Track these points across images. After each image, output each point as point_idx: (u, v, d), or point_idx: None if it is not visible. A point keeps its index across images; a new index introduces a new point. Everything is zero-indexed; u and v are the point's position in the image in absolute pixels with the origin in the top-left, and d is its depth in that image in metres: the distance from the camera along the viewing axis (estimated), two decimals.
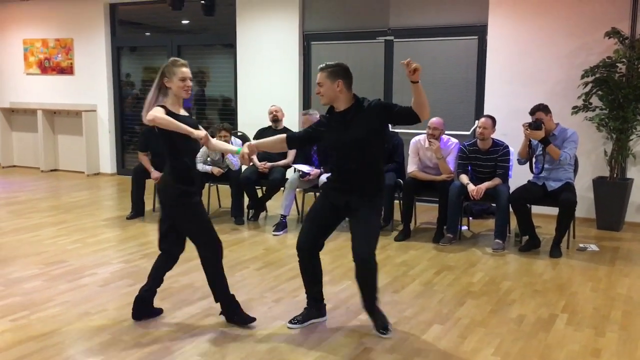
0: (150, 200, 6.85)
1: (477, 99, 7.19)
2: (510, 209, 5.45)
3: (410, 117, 3.36)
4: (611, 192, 6.20)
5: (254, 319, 3.64)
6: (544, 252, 5.29)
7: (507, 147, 5.59)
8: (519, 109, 6.18)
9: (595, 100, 6.15)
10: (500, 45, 6.89)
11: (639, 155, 6.28)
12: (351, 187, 3.48)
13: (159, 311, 3.80)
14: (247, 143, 3.66)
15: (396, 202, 6.11)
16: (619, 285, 4.44)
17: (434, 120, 5.73)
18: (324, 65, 3.49)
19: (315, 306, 3.72)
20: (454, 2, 7.20)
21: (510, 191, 5.48)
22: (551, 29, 6.62)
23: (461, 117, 7.25)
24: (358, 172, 3.46)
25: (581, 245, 5.52)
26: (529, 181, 5.58)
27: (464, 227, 6.15)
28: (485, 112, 6.96)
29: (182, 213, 3.52)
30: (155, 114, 3.29)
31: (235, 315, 3.64)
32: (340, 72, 3.45)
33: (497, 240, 5.42)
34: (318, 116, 6.19)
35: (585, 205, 6.38)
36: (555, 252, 5.21)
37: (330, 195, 3.59)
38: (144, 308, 3.71)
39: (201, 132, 3.40)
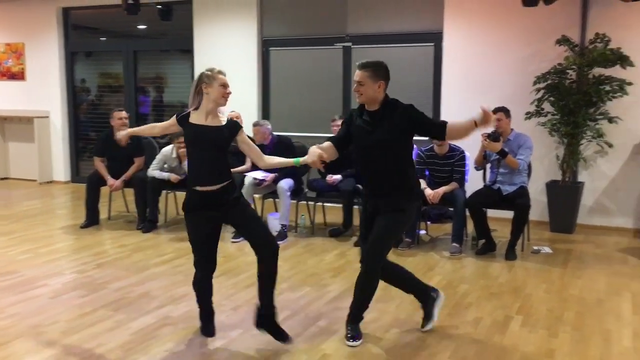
0: (105, 208, 6.70)
1: (434, 105, 7.29)
2: (467, 213, 5.54)
3: (438, 133, 3.42)
4: (563, 195, 6.36)
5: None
6: (500, 255, 5.38)
7: (463, 152, 5.68)
8: (475, 115, 6.27)
9: (547, 106, 6.31)
10: (455, 52, 7.01)
11: (590, 159, 6.46)
12: (377, 189, 3.44)
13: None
14: (315, 152, 3.39)
15: (355, 207, 6.12)
16: (572, 286, 4.55)
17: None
18: (365, 62, 3.37)
19: (427, 298, 3.70)
20: (411, 9, 7.29)
21: (467, 195, 5.57)
22: (504, 37, 6.77)
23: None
24: (382, 174, 3.40)
25: (535, 247, 5.64)
26: (485, 185, 5.68)
27: (422, 232, 6.21)
28: (442, 118, 7.07)
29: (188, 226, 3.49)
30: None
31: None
32: (382, 73, 3.38)
33: (454, 244, 5.49)
34: (269, 127, 6.15)
35: (539, 208, 6.53)
36: (510, 255, 5.31)
37: (366, 201, 3.57)
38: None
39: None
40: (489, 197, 5.50)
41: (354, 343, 3.45)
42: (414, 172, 3.53)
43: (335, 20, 7.69)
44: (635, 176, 6.38)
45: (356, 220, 6.03)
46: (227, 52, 8.14)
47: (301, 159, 3.41)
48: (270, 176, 5.96)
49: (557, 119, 6.23)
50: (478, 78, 6.91)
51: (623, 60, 5.90)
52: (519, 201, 5.31)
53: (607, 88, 6.01)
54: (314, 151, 3.38)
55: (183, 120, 3.42)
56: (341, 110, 7.58)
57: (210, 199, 3.34)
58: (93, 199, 6.43)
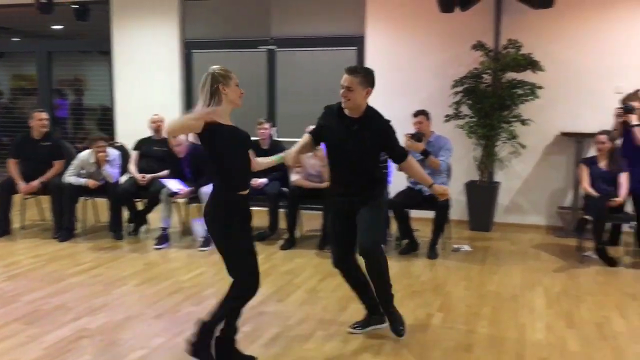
0: (18, 217, 6.36)
1: None
2: (391, 214, 5.65)
3: (397, 159, 3.56)
4: (481, 195, 6.61)
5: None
6: (422, 254, 5.52)
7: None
8: (396, 118, 6.34)
9: (465, 109, 6.54)
10: (377, 56, 7.14)
11: (505, 160, 6.75)
12: (351, 191, 3.48)
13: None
14: (288, 155, 3.40)
15: (281, 210, 6.11)
16: (489, 282, 4.73)
17: None
18: (355, 67, 3.39)
19: (377, 313, 3.68)
20: (334, 13, 7.37)
21: (390, 197, 5.68)
22: (424, 42, 6.97)
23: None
24: (357, 175, 3.47)
25: (455, 246, 5.83)
26: (407, 187, 5.81)
27: None
28: None
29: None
30: None
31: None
32: (371, 80, 3.39)
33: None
34: (184, 137, 5.96)
35: (458, 208, 6.75)
36: (432, 253, 5.45)
37: (336, 205, 3.56)
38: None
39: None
40: (411, 197, 5.63)
41: (404, 330, 3.57)
42: (379, 172, 3.65)
43: (260, 23, 7.66)
44: (547, 176, 6.72)
45: (282, 223, 6.03)
46: (148, 54, 7.94)
47: (281, 155, 3.42)
48: (185, 190, 5.77)
49: (474, 121, 6.47)
50: (399, 81, 7.07)
51: (534, 65, 6.20)
52: (439, 201, 5.45)
53: (520, 91, 6.30)
54: (290, 152, 3.42)
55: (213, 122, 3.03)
56: (266, 113, 7.55)
57: (247, 204, 3.16)
58: (4, 207, 6.09)
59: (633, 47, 6.31)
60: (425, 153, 5.39)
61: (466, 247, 5.80)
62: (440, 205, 5.44)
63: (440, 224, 5.49)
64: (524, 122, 6.36)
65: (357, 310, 4.02)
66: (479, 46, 6.44)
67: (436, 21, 6.82)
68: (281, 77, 7.69)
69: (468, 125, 6.49)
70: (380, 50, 7.14)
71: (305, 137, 3.55)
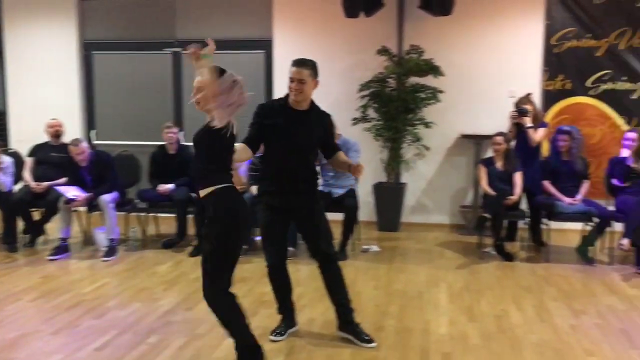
0: None
1: None
2: None
3: (328, 153, 3.58)
4: (389, 196, 6.78)
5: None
6: None
7: None
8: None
9: (371, 112, 6.68)
10: (286, 60, 7.05)
11: (410, 162, 6.95)
12: (291, 187, 3.42)
13: None
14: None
15: (190, 216, 5.97)
16: (397, 281, 4.85)
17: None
18: (302, 59, 3.34)
19: (291, 316, 3.70)
20: (241, 16, 7.32)
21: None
22: (331, 46, 7.06)
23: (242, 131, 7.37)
24: (298, 172, 3.43)
25: (365, 246, 5.93)
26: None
27: (258, 238, 6.22)
28: None
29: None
30: None
31: None
32: (317, 72, 3.38)
33: (289, 248, 5.56)
34: (86, 145, 5.72)
35: (367, 209, 6.89)
36: (341, 255, 5.51)
37: (271, 202, 3.48)
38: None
39: None
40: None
41: (372, 340, 3.52)
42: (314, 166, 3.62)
43: (164, 24, 7.47)
44: (449, 176, 7.00)
45: (191, 229, 5.90)
46: (43, 55, 7.53)
47: None
48: (82, 196, 5.49)
49: (381, 124, 6.62)
50: None
51: (435, 70, 6.44)
52: (348, 203, 5.54)
53: (423, 95, 6.52)
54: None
55: None
56: (172, 116, 7.37)
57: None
58: None
59: (523, 54, 6.70)
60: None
61: (375, 248, 5.92)
62: (348, 207, 5.52)
63: (349, 225, 5.57)
64: (427, 124, 6.59)
65: (268, 315, 4.00)
66: (383, 51, 6.61)
67: (342, 26, 6.93)
68: (188, 80, 7.52)
69: (375, 128, 6.64)
70: (289, 54, 7.13)
71: (241, 148, 3.37)
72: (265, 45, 7.26)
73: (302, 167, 3.46)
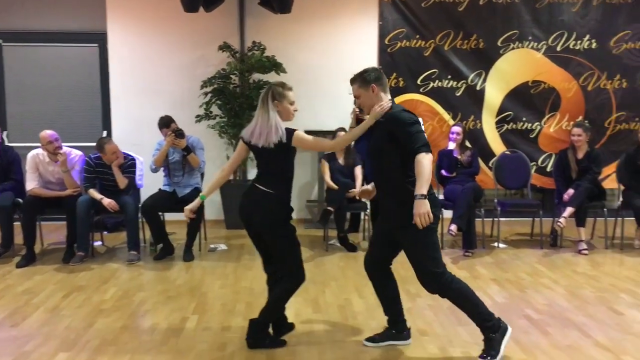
0: None
1: (104, 109, 6.97)
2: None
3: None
4: (236, 193, 6.65)
5: (284, 343, 3.46)
6: (179, 258, 5.42)
7: (133, 158, 5.56)
8: (147, 119, 6.22)
9: (215, 109, 6.59)
10: (122, 54, 6.81)
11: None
12: (382, 200, 3.33)
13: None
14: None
15: (17, 223, 5.46)
16: (244, 278, 4.83)
17: None
18: (352, 77, 3.31)
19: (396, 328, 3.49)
20: (71, 7, 6.83)
21: (142, 201, 5.47)
22: (171, 41, 6.85)
23: (87, 128, 6.94)
24: (378, 184, 3.34)
25: (212, 246, 5.84)
26: (159, 189, 5.64)
27: (98, 243, 5.89)
28: (113, 122, 6.86)
29: (287, 236, 3.33)
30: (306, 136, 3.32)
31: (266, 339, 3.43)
32: (371, 77, 3.25)
33: (131, 252, 5.33)
34: None
35: (214, 207, 6.79)
36: (187, 256, 5.38)
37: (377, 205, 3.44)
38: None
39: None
40: (165, 200, 5.49)
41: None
42: (404, 180, 3.17)
43: None
44: (296, 172, 6.88)
45: (19, 238, 5.40)
46: None
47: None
48: None
49: (225, 121, 6.55)
50: (147, 81, 6.85)
51: (277, 67, 6.50)
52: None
53: None
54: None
55: None
56: None
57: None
58: None
59: (360, 52, 7.01)
60: (187, 150, 5.35)
61: (222, 246, 5.86)
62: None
63: (195, 225, 5.44)
64: None
65: (106, 324, 3.78)
66: (225, 47, 6.54)
67: (183, 20, 6.74)
68: (12, 75, 6.88)
69: (219, 125, 6.55)
70: (125, 48, 6.82)
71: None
72: (98, 39, 6.85)
73: (375, 177, 3.38)
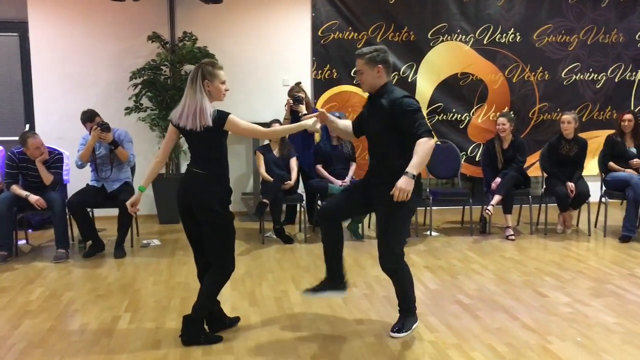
0: None
1: (26, 102, 6.66)
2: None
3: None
4: (169, 187, 6.54)
5: (220, 339, 3.41)
6: (109, 255, 5.26)
7: (60, 153, 5.35)
8: (72, 112, 5.96)
9: (145, 101, 6.41)
10: (44, 44, 6.51)
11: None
12: (374, 177, 3.37)
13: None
14: (318, 113, 3.45)
15: None
16: (178, 274, 4.74)
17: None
18: (361, 50, 3.31)
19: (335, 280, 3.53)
20: None
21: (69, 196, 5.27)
22: (97, 32, 6.60)
23: (9, 121, 6.61)
24: (376, 164, 3.40)
25: (145, 241, 5.70)
26: (87, 184, 5.45)
27: (22, 242, 5.64)
28: (37, 115, 6.57)
29: (221, 219, 3.24)
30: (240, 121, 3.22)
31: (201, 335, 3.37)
32: (379, 57, 3.27)
33: (59, 250, 5.12)
34: None
35: (147, 202, 6.62)
36: (119, 252, 5.23)
37: (366, 179, 3.48)
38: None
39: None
40: (93, 196, 5.31)
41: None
42: (401, 161, 3.19)
43: None
44: (230, 165, 6.84)
45: None
46: None
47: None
48: None
49: (156, 113, 6.39)
50: (73, 73, 6.58)
51: (210, 58, 6.37)
52: (122, 197, 5.24)
53: None
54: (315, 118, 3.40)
55: None
56: None
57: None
58: None
59: (293, 44, 6.99)
60: (114, 144, 5.21)
61: (155, 242, 5.73)
62: (124, 202, 5.22)
63: (125, 220, 5.29)
64: None
65: (32, 326, 3.63)
66: (154, 37, 6.37)
67: (109, 9, 6.51)
68: None
69: (150, 117, 6.38)
70: (47, 38, 6.52)
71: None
72: (19, 27, 6.51)
73: (374, 157, 3.47)
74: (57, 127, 6.46)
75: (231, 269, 3.36)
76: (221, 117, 3.18)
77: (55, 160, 5.26)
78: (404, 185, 3.05)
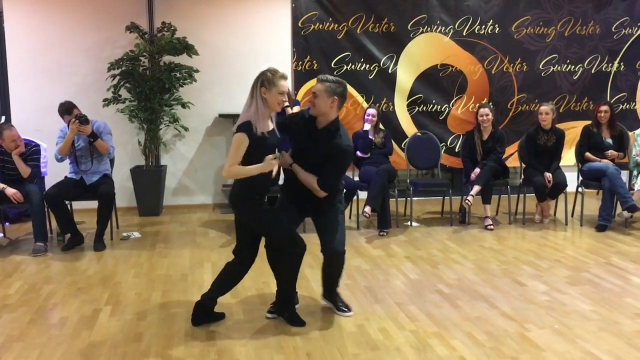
0: None
1: (2, 93, 6.55)
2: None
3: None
4: (148, 179, 6.54)
5: (303, 323, 3.52)
6: (89, 247, 5.22)
7: (37, 145, 5.28)
8: (49, 104, 5.89)
9: (124, 93, 6.34)
10: (20, 35, 6.40)
11: (170, 143, 6.80)
12: (310, 194, 3.50)
13: (221, 316, 3.61)
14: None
15: None
16: (159, 266, 4.72)
17: None
18: (324, 77, 3.42)
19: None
20: None
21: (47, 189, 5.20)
22: (74, 22, 6.51)
23: None
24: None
25: (125, 234, 5.67)
26: (65, 177, 5.39)
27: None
28: (13, 107, 6.46)
29: (253, 213, 3.36)
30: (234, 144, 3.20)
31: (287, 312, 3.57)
32: (338, 90, 3.38)
33: (37, 243, 5.07)
34: None
35: (126, 194, 6.58)
36: (98, 245, 5.19)
37: (293, 194, 3.59)
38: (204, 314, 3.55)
39: (270, 165, 3.19)
40: (72, 188, 5.26)
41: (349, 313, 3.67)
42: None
43: None
44: (210, 156, 7.00)
45: None
46: None
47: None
48: None
49: (135, 105, 6.33)
50: (49, 64, 6.49)
51: (189, 49, 6.33)
52: (102, 189, 5.22)
53: (178, 75, 6.38)
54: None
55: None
56: None
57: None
58: None
59: (274, 35, 6.95)
60: (93, 136, 5.17)
61: (136, 234, 5.69)
62: (103, 194, 5.20)
63: (104, 213, 5.25)
64: (184, 105, 6.48)
65: (11, 320, 3.60)
66: (132, 28, 6.29)
67: (85, 0, 6.41)
68: None
69: (129, 109, 6.32)
70: (23, 29, 6.41)
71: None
72: None
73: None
74: (34, 118, 6.37)
75: (297, 248, 3.44)
76: (237, 129, 3.22)
77: (32, 152, 5.19)
78: (269, 168, 3.28)
